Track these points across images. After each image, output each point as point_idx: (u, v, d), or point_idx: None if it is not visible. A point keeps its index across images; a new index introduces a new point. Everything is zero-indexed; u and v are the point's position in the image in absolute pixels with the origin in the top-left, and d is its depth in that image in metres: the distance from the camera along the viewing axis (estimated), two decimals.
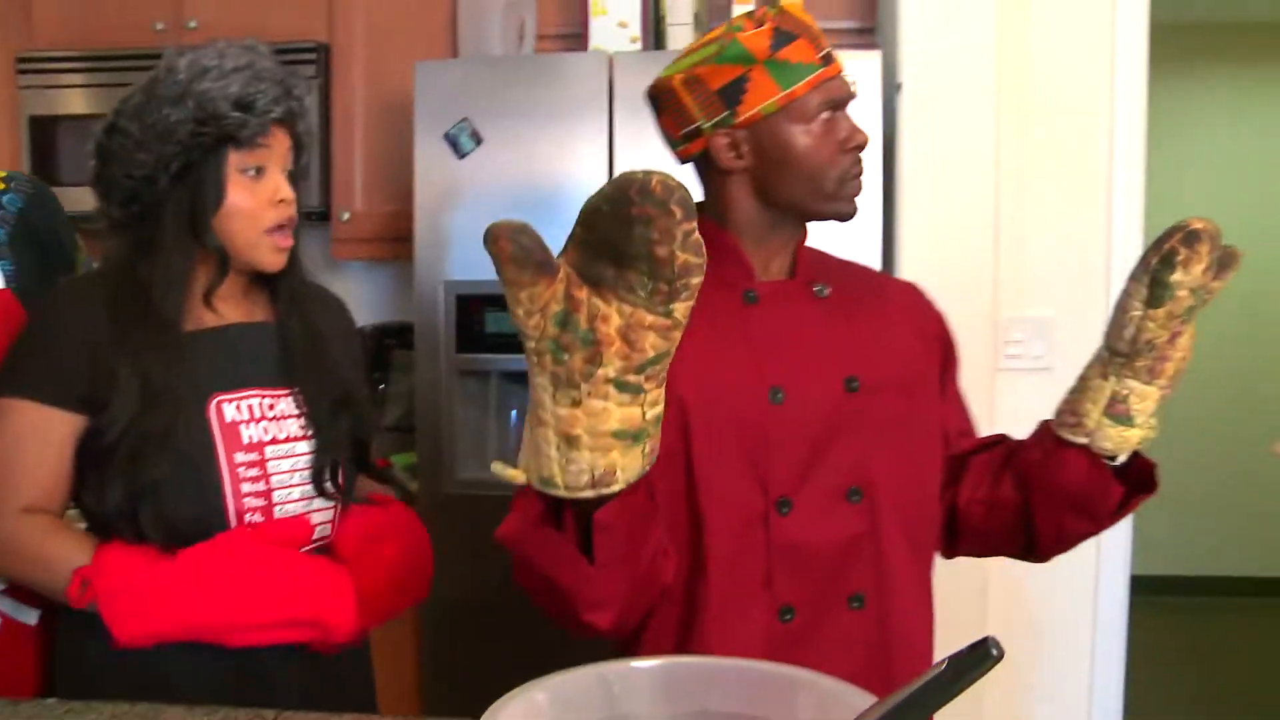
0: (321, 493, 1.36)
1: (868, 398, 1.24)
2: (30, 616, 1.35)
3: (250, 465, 1.30)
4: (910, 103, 2.33)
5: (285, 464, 1.33)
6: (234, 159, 1.29)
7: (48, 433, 1.26)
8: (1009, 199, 2.34)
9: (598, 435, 0.88)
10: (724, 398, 1.20)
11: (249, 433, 1.31)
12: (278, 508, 1.32)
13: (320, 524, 1.37)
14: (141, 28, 2.81)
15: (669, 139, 1.29)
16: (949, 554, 1.38)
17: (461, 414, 2.40)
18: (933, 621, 1.30)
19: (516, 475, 0.92)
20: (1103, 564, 2.38)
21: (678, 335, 0.88)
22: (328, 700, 1.26)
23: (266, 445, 1.32)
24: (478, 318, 2.37)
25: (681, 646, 1.19)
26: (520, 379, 2.43)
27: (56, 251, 1.48)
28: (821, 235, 1.33)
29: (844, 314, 1.27)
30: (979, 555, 1.38)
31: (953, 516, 1.33)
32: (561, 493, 0.90)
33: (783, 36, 1.20)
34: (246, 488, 1.29)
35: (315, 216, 2.77)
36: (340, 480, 1.38)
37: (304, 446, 1.35)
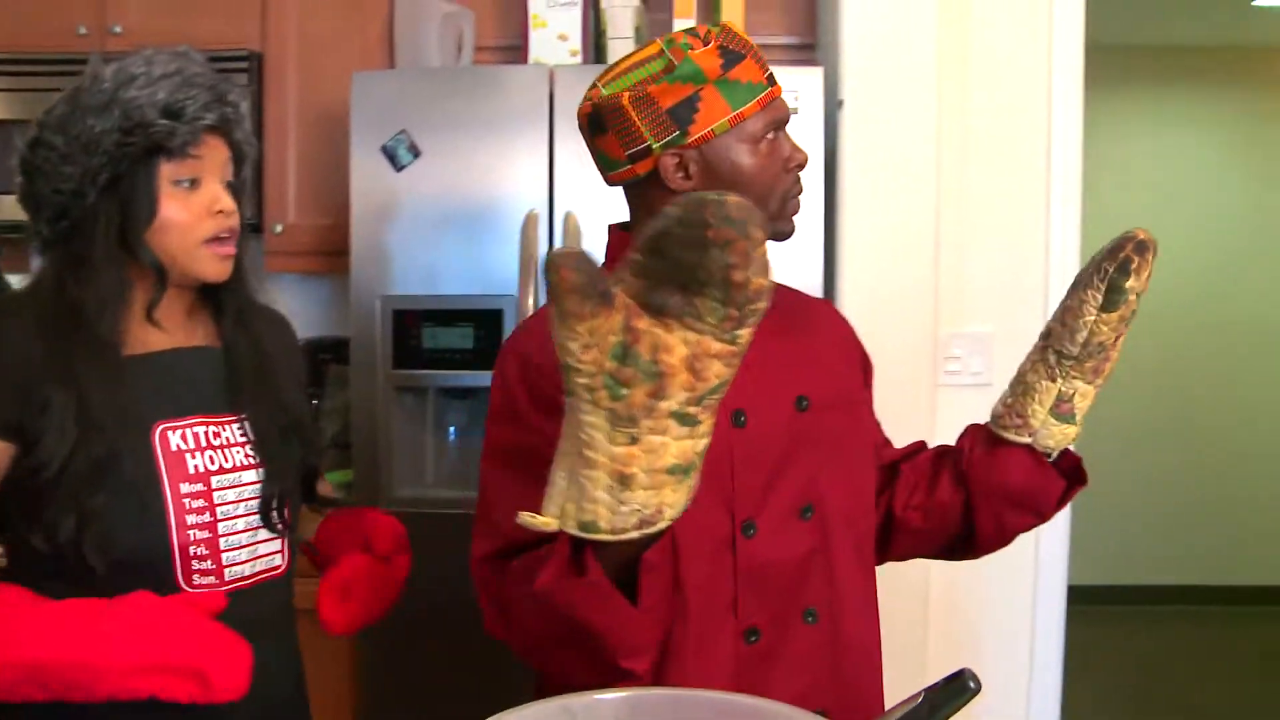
0: (268, 524, 1.31)
1: (816, 415, 1.26)
2: None
3: (195, 496, 1.24)
4: (851, 119, 2.34)
5: (231, 494, 1.28)
6: (166, 170, 1.24)
7: None
8: (949, 216, 2.36)
9: (654, 473, 0.85)
10: None
11: (194, 462, 1.25)
12: (223, 539, 1.26)
13: (268, 554, 1.32)
14: (64, 32, 2.73)
15: (608, 160, 1.24)
16: (880, 560, 1.41)
17: (398, 431, 2.36)
18: (879, 630, 1.33)
19: (548, 523, 0.87)
20: (1041, 574, 2.42)
21: (739, 362, 0.85)
22: None
23: (213, 475, 1.27)
24: (415, 333, 2.33)
25: (657, 675, 1.17)
26: (457, 395, 2.40)
27: None
28: None
29: (784, 334, 1.28)
30: (910, 557, 1.43)
31: (888, 523, 1.38)
32: (604, 537, 0.86)
33: (731, 56, 1.19)
34: (192, 519, 1.24)
35: (247, 229, 2.70)
36: (286, 513, 1.33)
37: (251, 476, 1.30)
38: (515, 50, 2.63)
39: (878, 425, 1.43)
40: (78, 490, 1.17)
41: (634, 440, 0.83)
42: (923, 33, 2.33)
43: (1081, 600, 3.15)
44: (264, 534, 1.31)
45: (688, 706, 0.85)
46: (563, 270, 0.79)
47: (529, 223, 2.24)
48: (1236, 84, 4.78)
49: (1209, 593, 4.85)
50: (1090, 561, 3.99)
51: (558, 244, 2.27)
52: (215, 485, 1.26)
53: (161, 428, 1.25)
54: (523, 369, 1.21)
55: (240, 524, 1.28)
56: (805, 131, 2.20)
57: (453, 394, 2.39)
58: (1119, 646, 4.34)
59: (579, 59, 2.52)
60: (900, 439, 1.46)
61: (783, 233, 1.26)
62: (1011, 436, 1.26)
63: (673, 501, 0.87)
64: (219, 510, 1.26)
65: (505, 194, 2.29)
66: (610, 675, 1.02)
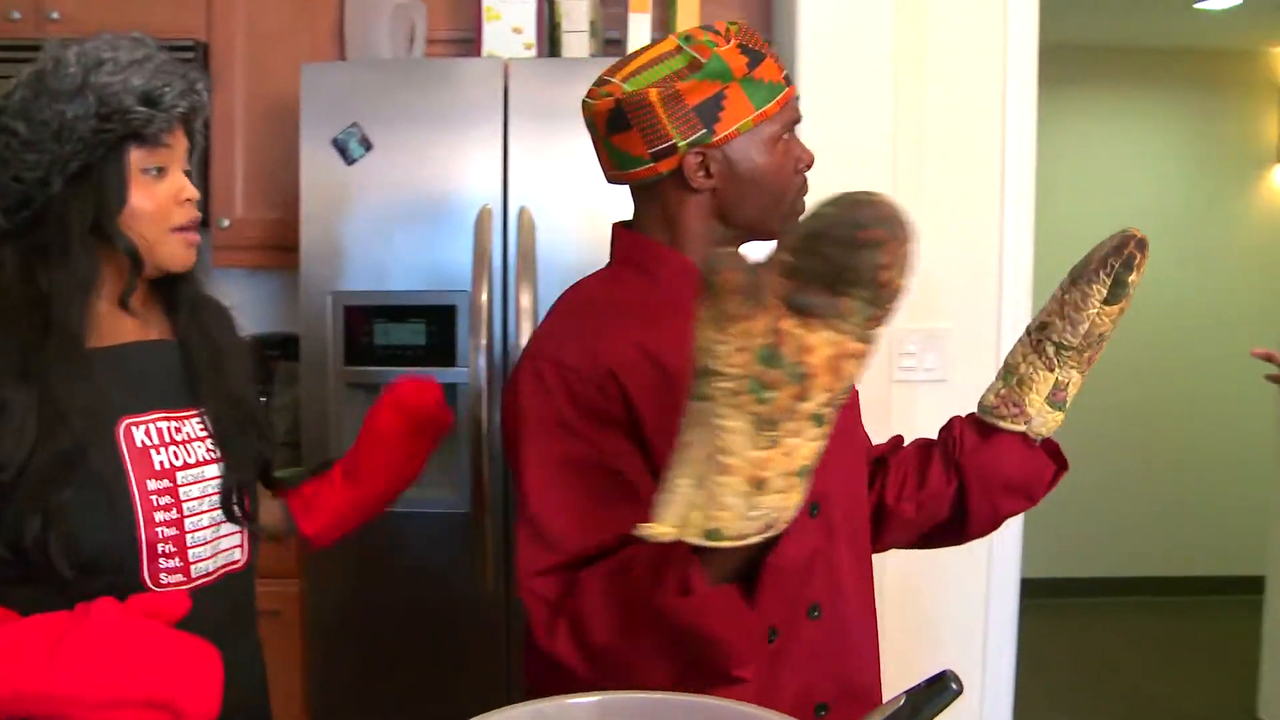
0: (230, 516, 1.29)
1: None
2: None
3: (162, 493, 1.21)
4: (807, 115, 2.31)
5: (196, 489, 1.25)
6: (135, 157, 1.20)
7: None
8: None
9: (787, 475, 0.84)
10: None
11: (159, 458, 1.22)
12: (189, 535, 1.24)
13: (229, 549, 1.30)
14: None
15: (627, 158, 1.20)
16: (874, 551, 1.42)
17: (350, 428, 2.31)
18: (876, 623, 1.36)
19: (668, 533, 0.85)
20: (994, 567, 2.44)
21: (870, 362, 0.85)
22: None
23: (178, 470, 1.24)
24: (366, 329, 2.29)
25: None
26: None
27: None
28: None
29: None
30: (902, 548, 1.47)
31: (879, 515, 1.41)
32: (728, 543, 0.84)
33: (754, 55, 1.18)
34: (160, 516, 1.21)
35: None
36: (246, 504, 1.31)
37: (213, 470, 1.28)
38: (467, 43, 2.60)
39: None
40: (42, 487, 1.13)
41: (773, 443, 0.82)
42: (878, 29, 2.34)
43: (1035, 593, 3.18)
44: (226, 528, 1.29)
45: (661, 710, 0.84)
46: (725, 273, 0.78)
47: (482, 218, 2.21)
48: (1186, 85, 4.85)
49: (1161, 584, 4.92)
50: (1043, 554, 4.04)
51: (512, 240, 2.25)
52: (181, 481, 1.24)
53: (126, 423, 1.22)
54: (561, 376, 1.15)
55: (205, 519, 1.26)
56: None
57: None
58: (1072, 638, 4.40)
59: (533, 52, 2.49)
60: None
61: None
62: (1008, 425, 1.31)
63: (795, 504, 0.86)
64: (185, 506, 1.24)
65: (459, 189, 2.26)
66: (715, 684, 1.00)
